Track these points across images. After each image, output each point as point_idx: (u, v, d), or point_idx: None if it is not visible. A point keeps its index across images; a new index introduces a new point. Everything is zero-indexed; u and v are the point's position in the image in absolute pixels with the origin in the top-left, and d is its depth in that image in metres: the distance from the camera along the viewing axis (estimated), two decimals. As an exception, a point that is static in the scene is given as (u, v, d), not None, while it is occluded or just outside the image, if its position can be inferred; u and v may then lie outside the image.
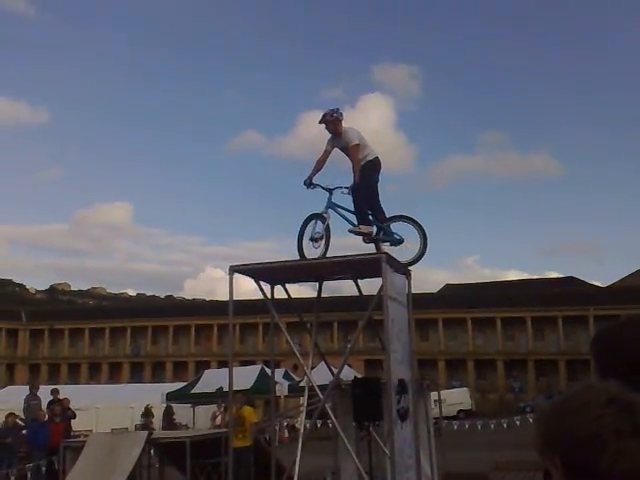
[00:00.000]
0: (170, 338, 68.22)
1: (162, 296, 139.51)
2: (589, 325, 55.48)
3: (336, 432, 9.98)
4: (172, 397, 25.45)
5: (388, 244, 8.93)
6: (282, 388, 24.26)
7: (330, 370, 10.72)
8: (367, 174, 8.81)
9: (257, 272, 9.25)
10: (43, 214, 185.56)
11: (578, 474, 1.18)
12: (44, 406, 17.28)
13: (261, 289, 9.39)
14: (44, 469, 14.21)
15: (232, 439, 12.36)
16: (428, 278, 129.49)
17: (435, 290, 76.85)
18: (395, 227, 8.99)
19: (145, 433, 13.74)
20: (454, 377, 58.90)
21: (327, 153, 8.96)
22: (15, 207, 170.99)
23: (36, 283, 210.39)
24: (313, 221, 8.99)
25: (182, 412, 28.53)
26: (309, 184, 8.88)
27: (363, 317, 9.20)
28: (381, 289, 8.22)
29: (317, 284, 10.06)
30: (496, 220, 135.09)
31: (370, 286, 9.96)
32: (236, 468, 12.26)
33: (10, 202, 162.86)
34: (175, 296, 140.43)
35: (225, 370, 15.45)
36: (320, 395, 9.22)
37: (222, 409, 22.54)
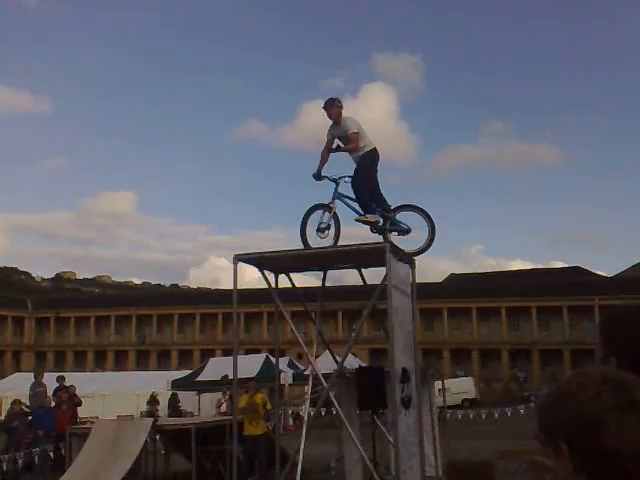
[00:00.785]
0: (175, 326, 68.44)
1: (167, 285, 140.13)
2: (594, 315, 55.34)
3: (340, 420, 10.04)
4: (177, 385, 25.61)
5: (395, 234, 8.95)
6: (286, 376, 24.38)
7: (334, 359, 10.77)
8: (366, 165, 8.84)
9: (261, 261, 9.29)
10: (48, 203, 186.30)
11: (585, 454, 1.19)
12: (49, 393, 17.41)
13: (265, 278, 9.43)
14: (51, 454, 14.34)
15: (245, 426, 12.47)
16: (433, 268, 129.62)
17: (440, 280, 76.93)
18: (403, 217, 9.00)
19: (151, 420, 13.84)
20: (458, 366, 59.00)
21: (329, 143, 9.02)
22: (20, 196, 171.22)
23: (42, 271, 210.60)
24: (319, 211, 9.03)
25: (187, 399, 28.72)
26: (318, 177, 9.00)
27: (367, 306, 9.23)
28: (385, 278, 8.24)
29: (321, 273, 10.10)
30: (500, 209, 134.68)
31: (374, 275, 10.00)
32: (250, 455, 12.36)
33: (15, 191, 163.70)
34: (180, 285, 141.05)
35: (230, 358, 15.53)
36: (324, 383, 9.26)
37: (227, 397, 22.68)
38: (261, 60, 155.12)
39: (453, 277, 78.52)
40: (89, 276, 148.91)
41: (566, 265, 79.77)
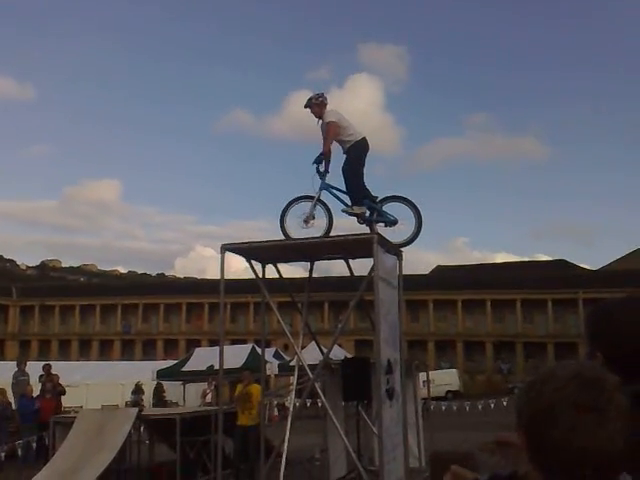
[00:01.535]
0: (161, 316, 68.25)
1: (153, 274, 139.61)
2: (579, 308, 55.85)
3: (325, 411, 10.06)
4: (163, 375, 25.52)
5: (382, 225, 8.95)
6: (272, 367, 24.37)
7: (320, 350, 10.79)
8: (354, 155, 8.82)
9: (249, 251, 9.26)
10: (32, 190, 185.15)
11: (536, 446, 1.15)
12: (33, 382, 17.30)
13: (252, 268, 9.41)
14: (34, 445, 14.26)
15: (239, 415, 12.45)
16: (419, 259, 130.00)
17: (427, 272, 77.21)
18: (389, 208, 9.00)
19: (135, 410, 13.79)
20: (443, 358, 59.34)
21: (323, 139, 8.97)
22: (3, 183, 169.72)
23: (27, 259, 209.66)
24: (303, 202, 9.00)
25: (172, 390, 28.66)
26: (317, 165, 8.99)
27: (354, 297, 9.24)
28: (372, 270, 8.24)
29: (308, 265, 10.09)
30: (485, 202, 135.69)
31: (360, 267, 10.00)
32: (242, 446, 12.35)
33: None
34: (166, 274, 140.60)
35: (216, 348, 15.50)
36: (310, 374, 9.27)
37: (212, 387, 22.66)
38: (247, 50, 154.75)
39: (439, 269, 78.83)
40: (74, 264, 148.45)
41: (551, 258, 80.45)
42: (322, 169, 8.93)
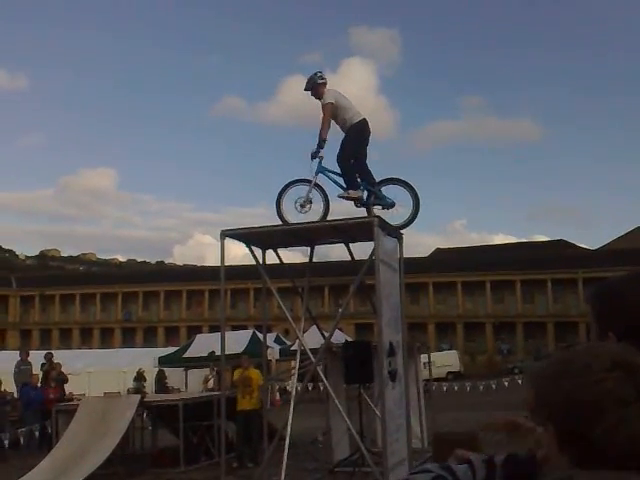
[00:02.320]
0: (161, 303, 68.32)
1: (153, 262, 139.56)
2: (578, 288, 55.94)
3: (327, 394, 10.09)
4: (164, 361, 25.59)
5: (380, 208, 8.90)
6: (273, 352, 24.43)
7: (321, 334, 10.80)
8: (352, 137, 8.70)
9: (249, 237, 9.23)
10: (28, 180, 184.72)
11: (571, 440, 1.10)
12: (35, 371, 17.34)
13: (253, 254, 9.38)
14: (37, 433, 14.30)
15: (239, 400, 12.48)
16: (418, 243, 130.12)
17: (426, 254, 77.23)
18: (386, 190, 8.94)
19: (138, 396, 13.85)
20: (443, 340, 59.54)
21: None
22: None
23: (26, 249, 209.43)
24: (299, 186, 8.93)
25: (174, 376, 28.72)
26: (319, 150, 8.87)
27: (354, 281, 9.22)
28: (373, 253, 8.22)
29: (308, 250, 10.06)
30: (481, 184, 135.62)
31: (360, 250, 9.98)
32: (244, 430, 12.39)
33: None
34: (166, 262, 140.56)
35: (217, 334, 15.51)
36: (312, 358, 9.28)
37: (214, 373, 22.74)
38: (238, 36, 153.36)
39: (438, 251, 78.83)
40: (73, 253, 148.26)
41: (550, 238, 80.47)
42: (320, 154, 8.84)
